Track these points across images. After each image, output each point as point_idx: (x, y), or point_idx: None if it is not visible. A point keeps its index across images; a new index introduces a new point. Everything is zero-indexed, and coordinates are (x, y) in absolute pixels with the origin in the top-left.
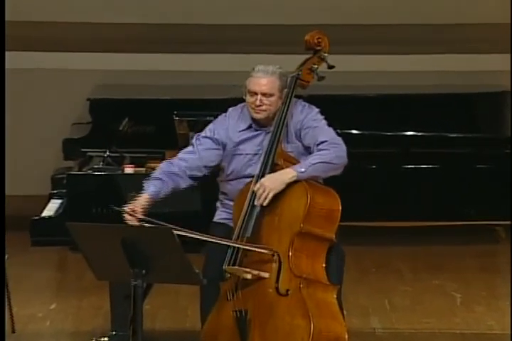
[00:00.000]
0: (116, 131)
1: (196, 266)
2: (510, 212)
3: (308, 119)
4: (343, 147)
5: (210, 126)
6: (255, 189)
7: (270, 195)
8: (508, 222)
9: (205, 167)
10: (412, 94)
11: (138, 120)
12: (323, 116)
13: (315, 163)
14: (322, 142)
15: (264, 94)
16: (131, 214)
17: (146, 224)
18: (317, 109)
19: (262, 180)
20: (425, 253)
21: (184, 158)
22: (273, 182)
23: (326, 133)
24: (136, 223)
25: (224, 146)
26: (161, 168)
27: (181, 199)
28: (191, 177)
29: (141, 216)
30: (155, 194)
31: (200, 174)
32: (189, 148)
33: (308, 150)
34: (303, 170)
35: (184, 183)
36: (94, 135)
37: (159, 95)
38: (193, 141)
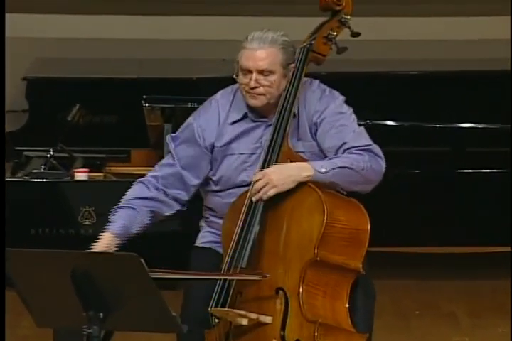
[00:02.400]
0: (63, 122)
1: (173, 307)
2: None
3: (331, 112)
4: (382, 161)
5: (190, 120)
6: (255, 179)
7: (271, 192)
8: None
9: (191, 184)
10: (474, 72)
11: (93, 107)
12: (350, 108)
13: (342, 167)
14: (354, 147)
15: (261, 72)
16: None
17: None
18: (341, 97)
19: (267, 169)
20: (487, 290)
21: (160, 173)
22: (280, 176)
23: (359, 136)
24: None
25: (211, 147)
26: (132, 191)
27: None
28: (176, 200)
29: None
30: (123, 230)
31: (185, 195)
32: (166, 159)
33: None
34: (323, 170)
35: (168, 209)
36: (32, 127)
37: (122, 73)
38: (170, 146)
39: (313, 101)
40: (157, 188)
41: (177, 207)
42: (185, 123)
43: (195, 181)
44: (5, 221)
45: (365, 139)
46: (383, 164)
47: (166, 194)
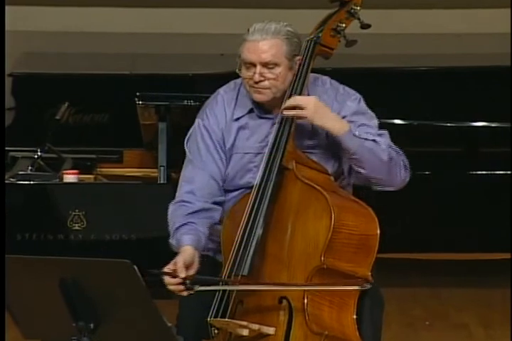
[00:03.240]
0: (51, 120)
1: (168, 317)
2: None
3: (350, 111)
4: (407, 173)
5: (199, 122)
6: (298, 97)
7: (302, 113)
8: None
9: (222, 186)
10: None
11: (83, 105)
12: (369, 110)
13: (375, 141)
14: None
15: (265, 65)
16: (172, 275)
17: (198, 287)
18: (358, 96)
19: (312, 98)
20: (499, 299)
21: (194, 186)
22: (320, 109)
23: (388, 138)
24: (182, 287)
25: (223, 147)
26: (175, 213)
27: (149, 221)
28: (217, 204)
29: (183, 275)
30: (195, 242)
31: (222, 197)
32: (191, 169)
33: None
34: (357, 133)
35: (217, 214)
36: (19, 126)
37: (114, 68)
38: (190, 153)
39: (327, 100)
40: (198, 200)
41: (220, 208)
42: (196, 127)
43: (224, 180)
44: (5, 220)
45: (390, 142)
46: (408, 176)
47: (208, 202)
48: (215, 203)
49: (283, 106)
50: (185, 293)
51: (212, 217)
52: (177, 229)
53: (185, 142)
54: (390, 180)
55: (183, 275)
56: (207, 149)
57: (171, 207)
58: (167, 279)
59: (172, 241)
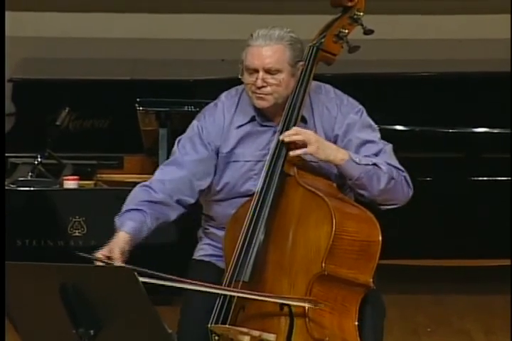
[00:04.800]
0: (51, 126)
1: (168, 324)
2: None
3: (354, 124)
4: (411, 190)
5: (195, 123)
6: (296, 128)
7: (300, 151)
8: None
9: (199, 189)
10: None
11: (83, 111)
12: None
13: (376, 165)
14: (388, 163)
15: (267, 70)
16: (107, 262)
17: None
18: (361, 108)
19: (305, 129)
20: (501, 305)
21: (167, 177)
22: (320, 144)
23: (391, 156)
24: None
25: (217, 152)
26: (136, 195)
27: None
28: (180, 204)
29: (120, 263)
30: (136, 231)
31: (191, 199)
32: (170, 160)
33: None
34: (357, 160)
35: (174, 213)
36: (19, 132)
37: (114, 74)
38: (175, 148)
39: (332, 111)
40: (164, 192)
41: (182, 210)
42: (190, 126)
43: (203, 186)
44: (5, 220)
45: (398, 163)
46: (411, 192)
47: (172, 198)
48: (178, 201)
49: (282, 136)
50: None
51: (167, 213)
52: (127, 211)
53: (177, 139)
54: (393, 199)
55: (118, 263)
56: (193, 150)
57: (136, 189)
58: (100, 265)
59: (117, 220)
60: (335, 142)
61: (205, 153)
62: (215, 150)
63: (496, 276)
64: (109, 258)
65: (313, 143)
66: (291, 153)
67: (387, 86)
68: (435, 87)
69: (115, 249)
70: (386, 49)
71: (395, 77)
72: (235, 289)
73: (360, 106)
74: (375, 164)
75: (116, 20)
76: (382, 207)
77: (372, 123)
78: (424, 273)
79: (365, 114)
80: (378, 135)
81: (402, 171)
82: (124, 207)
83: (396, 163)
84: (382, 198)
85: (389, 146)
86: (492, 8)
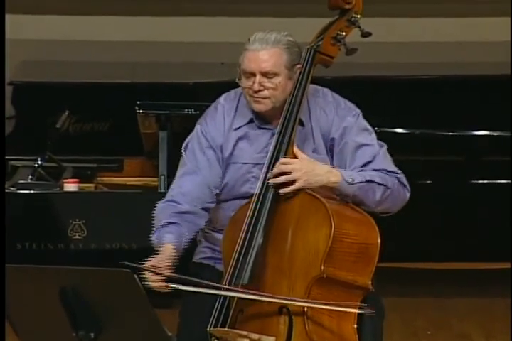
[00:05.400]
0: (51, 129)
1: (168, 326)
2: None
3: (351, 128)
4: (408, 191)
5: (198, 128)
6: (282, 161)
7: (291, 188)
8: None
9: (215, 192)
10: (490, 76)
11: (83, 114)
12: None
13: (370, 181)
14: (383, 169)
15: (264, 74)
16: (155, 272)
17: (177, 285)
18: (358, 111)
19: (300, 158)
20: (501, 308)
21: (186, 188)
22: (309, 172)
23: (385, 159)
24: (163, 285)
25: (221, 154)
26: (163, 210)
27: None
28: (205, 210)
29: (168, 273)
30: (177, 242)
31: (213, 204)
32: (184, 171)
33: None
34: (350, 180)
35: (202, 220)
36: (19, 135)
37: (114, 77)
38: (185, 157)
39: (329, 114)
40: (188, 202)
41: (207, 216)
42: (194, 132)
43: (220, 188)
44: (4, 220)
45: (392, 164)
46: (408, 194)
47: (197, 207)
48: (203, 209)
49: (271, 179)
50: (167, 289)
51: (198, 222)
52: (161, 226)
53: (183, 146)
54: (392, 207)
55: (167, 272)
56: (203, 154)
57: (160, 205)
58: (149, 276)
59: (154, 237)
60: (332, 146)
61: (213, 157)
62: (220, 154)
63: (496, 279)
64: (156, 268)
65: (300, 176)
66: (281, 192)
67: (386, 89)
68: (435, 90)
69: (163, 259)
70: (383, 51)
71: (393, 79)
72: (239, 289)
73: (358, 110)
74: (369, 181)
75: (116, 24)
76: (380, 214)
77: (369, 126)
78: (424, 276)
79: (361, 117)
80: (374, 138)
81: (397, 173)
82: (157, 224)
83: (390, 166)
84: (381, 208)
85: (383, 148)
86: (492, 11)
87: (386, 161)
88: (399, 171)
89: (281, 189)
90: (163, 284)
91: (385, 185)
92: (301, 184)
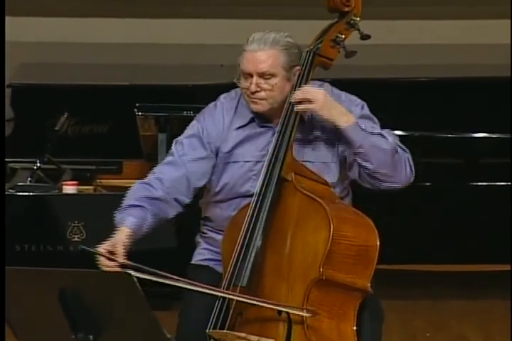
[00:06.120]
0: (50, 131)
1: (167, 328)
2: None
3: (357, 117)
4: (412, 173)
5: (195, 123)
6: (302, 89)
7: (308, 106)
8: None
9: (195, 187)
10: (489, 78)
11: (82, 116)
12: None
13: (381, 135)
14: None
15: (261, 75)
16: (109, 258)
17: (132, 272)
18: (360, 102)
19: (322, 91)
20: (500, 310)
21: (166, 176)
22: (327, 102)
23: (395, 137)
24: (118, 269)
25: (216, 151)
26: (136, 191)
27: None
28: (178, 202)
29: (123, 259)
30: (137, 227)
31: (187, 199)
32: (169, 160)
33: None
34: (363, 126)
35: (172, 211)
36: (18, 137)
37: (113, 79)
38: (174, 148)
39: None
40: (163, 190)
41: (179, 209)
42: (190, 126)
43: (200, 184)
44: (4, 221)
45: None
46: (412, 176)
47: (170, 196)
48: (176, 200)
49: (291, 98)
50: (118, 270)
51: (166, 211)
52: (128, 207)
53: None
54: (396, 175)
55: (121, 260)
56: (193, 150)
57: (136, 185)
58: (103, 261)
59: (117, 215)
60: (339, 136)
61: (203, 153)
62: (214, 150)
63: (495, 281)
64: (111, 253)
65: (318, 101)
66: (295, 108)
67: (386, 91)
68: (435, 92)
69: (118, 244)
70: (383, 54)
71: (392, 82)
72: (236, 293)
73: (360, 101)
74: (380, 134)
75: (115, 26)
76: (382, 184)
77: (373, 116)
78: (423, 278)
79: (366, 107)
80: (379, 128)
81: (406, 152)
82: (124, 203)
83: (401, 144)
84: (385, 172)
85: (393, 132)
86: (492, 13)
87: (397, 140)
88: (408, 151)
89: (296, 106)
90: (117, 269)
91: (394, 146)
92: (315, 107)
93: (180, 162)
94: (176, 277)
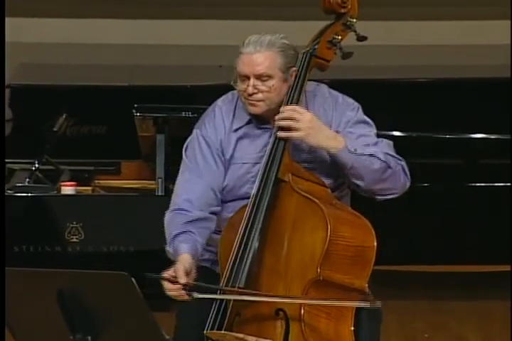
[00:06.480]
0: (49, 132)
1: (166, 329)
2: None
3: (350, 121)
4: (408, 180)
5: (198, 132)
6: (288, 108)
7: (292, 134)
8: None
9: (220, 192)
10: (488, 79)
11: (81, 117)
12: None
13: (371, 155)
14: (386, 153)
15: (258, 77)
16: (172, 281)
17: (196, 294)
18: (356, 105)
19: (309, 113)
20: (500, 311)
21: (191, 195)
22: (314, 127)
23: (389, 146)
24: (183, 293)
25: (222, 156)
26: (173, 220)
27: (147, 233)
28: (214, 214)
29: (184, 281)
30: (193, 251)
31: (219, 208)
32: (186, 178)
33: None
34: (352, 149)
35: (213, 224)
36: (16, 138)
37: (112, 80)
38: (187, 163)
39: (328, 110)
40: (196, 208)
41: (216, 218)
42: (193, 136)
43: (223, 186)
44: (4, 221)
45: (394, 153)
46: (408, 183)
47: (205, 211)
48: (211, 213)
49: (276, 124)
50: (186, 298)
51: (209, 226)
52: (175, 237)
53: (183, 150)
54: (390, 188)
55: (183, 281)
56: (204, 158)
57: (168, 215)
58: (167, 285)
59: (169, 248)
60: None
61: (215, 161)
62: (221, 154)
63: (495, 282)
64: (174, 277)
65: (303, 128)
66: (278, 135)
67: (384, 92)
68: (434, 93)
69: (180, 269)
70: (381, 55)
71: (391, 82)
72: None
73: (356, 104)
74: (370, 155)
75: (114, 27)
76: (378, 197)
77: (368, 119)
78: (422, 278)
79: (360, 111)
80: (374, 131)
81: (400, 160)
82: (169, 235)
83: (394, 153)
84: (379, 188)
85: (385, 140)
86: (492, 14)
87: (389, 148)
88: (402, 159)
89: (280, 132)
90: (182, 292)
91: (386, 163)
92: (300, 135)
93: (198, 176)
94: (238, 290)
